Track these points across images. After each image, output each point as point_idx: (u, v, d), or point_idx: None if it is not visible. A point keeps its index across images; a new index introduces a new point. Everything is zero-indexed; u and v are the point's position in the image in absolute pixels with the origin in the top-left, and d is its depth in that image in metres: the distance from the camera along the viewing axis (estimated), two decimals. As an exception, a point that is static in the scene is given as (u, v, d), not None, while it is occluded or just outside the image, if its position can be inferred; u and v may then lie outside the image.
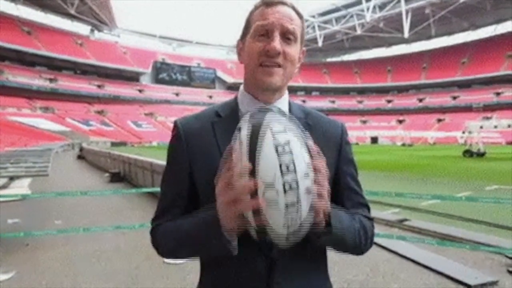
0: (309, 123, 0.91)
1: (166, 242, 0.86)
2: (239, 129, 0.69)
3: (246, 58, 0.86)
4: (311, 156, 0.68)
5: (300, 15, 0.87)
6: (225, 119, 0.89)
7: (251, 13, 0.87)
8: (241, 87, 0.93)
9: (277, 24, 0.81)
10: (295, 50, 0.84)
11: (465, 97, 65.86)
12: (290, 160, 0.63)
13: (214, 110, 0.92)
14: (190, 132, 0.89)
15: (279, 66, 0.82)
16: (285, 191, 0.63)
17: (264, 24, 0.82)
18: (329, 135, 0.92)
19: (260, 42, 0.82)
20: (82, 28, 71.18)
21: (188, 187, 0.87)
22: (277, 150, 0.63)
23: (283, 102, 0.90)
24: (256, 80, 0.85)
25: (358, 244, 0.85)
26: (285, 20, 0.82)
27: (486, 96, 62.81)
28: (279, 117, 0.69)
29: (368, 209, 0.95)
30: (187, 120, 0.92)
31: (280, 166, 0.62)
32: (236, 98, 0.93)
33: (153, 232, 0.90)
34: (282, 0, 0.84)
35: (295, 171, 0.63)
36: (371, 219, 0.93)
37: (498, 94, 61.83)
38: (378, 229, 4.99)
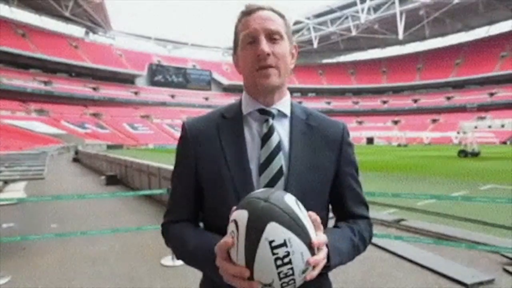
0: (311, 124, 0.95)
1: (173, 249, 0.94)
2: (235, 222, 0.69)
3: (243, 66, 0.91)
4: (312, 253, 0.69)
5: (281, 15, 0.91)
6: (229, 121, 0.94)
7: (236, 26, 0.93)
8: (244, 90, 0.97)
9: (260, 29, 0.86)
10: (284, 48, 0.88)
11: (460, 98, 66.38)
12: (289, 269, 0.65)
13: (220, 112, 0.97)
14: (196, 133, 0.93)
15: (272, 66, 0.87)
16: (282, 287, 0.67)
17: (248, 32, 0.87)
18: (330, 135, 0.95)
19: (250, 50, 0.87)
20: (76, 31, 70.83)
21: (195, 185, 0.93)
22: (276, 263, 0.64)
23: (284, 103, 0.95)
24: (256, 84, 0.89)
25: (357, 254, 0.92)
26: (267, 23, 0.87)
27: (480, 96, 63.36)
28: (278, 226, 0.65)
29: (367, 207, 1.00)
30: (194, 121, 0.96)
31: (279, 274, 0.65)
32: (240, 100, 0.97)
33: (163, 228, 0.99)
34: (260, 6, 0.89)
35: (293, 274, 0.66)
36: (369, 218, 0.98)
37: (492, 94, 62.41)
38: (375, 229, 5.02)
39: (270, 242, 0.64)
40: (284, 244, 0.64)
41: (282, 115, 0.94)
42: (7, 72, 52.65)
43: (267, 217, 0.65)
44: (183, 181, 0.95)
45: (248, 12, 0.90)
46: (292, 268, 0.65)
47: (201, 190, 0.93)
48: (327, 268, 0.77)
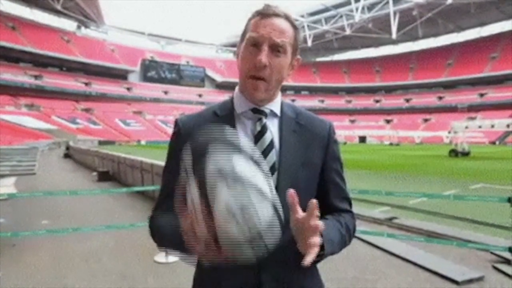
0: (300, 123, 0.99)
1: (155, 239, 0.95)
2: (191, 200, 0.68)
3: (240, 65, 0.93)
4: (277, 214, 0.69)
5: (294, 26, 0.92)
6: (222, 119, 0.95)
7: (249, 21, 0.93)
8: (237, 88, 0.99)
9: (267, 38, 0.87)
10: (283, 62, 0.90)
11: (451, 98, 67.16)
12: (252, 222, 0.64)
13: (213, 110, 0.99)
14: (189, 129, 0.93)
15: (264, 80, 0.89)
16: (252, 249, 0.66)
17: (255, 36, 0.88)
18: (318, 133, 0.99)
19: (250, 53, 0.89)
20: (68, 25, 69.71)
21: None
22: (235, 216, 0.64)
23: (275, 103, 0.98)
24: (245, 90, 0.94)
25: (344, 246, 0.94)
26: (275, 34, 0.87)
27: (471, 96, 64.19)
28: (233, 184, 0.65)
29: (350, 203, 1.03)
30: (187, 118, 0.99)
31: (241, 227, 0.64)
32: (232, 98, 0.99)
33: (150, 222, 0.98)
34: (276, 12, 0.89)
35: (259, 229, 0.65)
36: (352, 212, 1.02)
37: (482, 95, 63.27)
38: (368, 227, 5.07)
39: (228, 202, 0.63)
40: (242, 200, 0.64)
41: (273, 114, 0.97)
42: (-3, 65, 51.66)
43: (218, 177, 0.65)
44: (175, 176, 0.93)
45: (263, 15, 0.90)
46: (257, 219, 0.64)
47: None
48: (321, 256, 0.80)
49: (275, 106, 0.98)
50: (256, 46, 0.88)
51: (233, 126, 0.94)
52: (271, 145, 0.93)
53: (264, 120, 0.95)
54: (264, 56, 0.87)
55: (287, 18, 0.90)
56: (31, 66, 57.53)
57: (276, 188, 0.87)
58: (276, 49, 0.88)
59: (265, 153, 0.91)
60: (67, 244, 4.54)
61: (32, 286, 3.33)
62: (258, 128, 0.94)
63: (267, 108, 0.96)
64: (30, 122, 43.60)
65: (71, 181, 11.42)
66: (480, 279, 3.32)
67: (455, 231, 4.69)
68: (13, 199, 7.15)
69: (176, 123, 0.98)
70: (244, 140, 0.73)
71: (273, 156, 0.92)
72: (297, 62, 0.97)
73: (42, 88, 55.91)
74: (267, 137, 0.93)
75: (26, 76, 55.28)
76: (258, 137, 0.93)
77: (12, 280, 3.46)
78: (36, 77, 56.56)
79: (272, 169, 0.90)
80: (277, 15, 0.89)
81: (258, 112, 0.95)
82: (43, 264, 3.90)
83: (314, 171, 0.97)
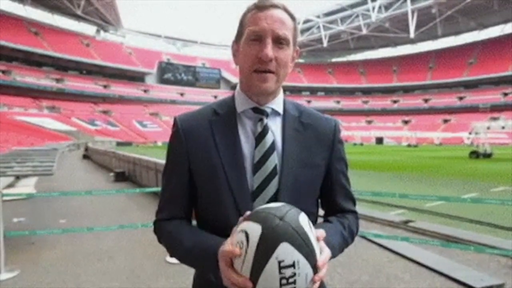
0: (304, 121, 0.95)
1: (168, 248, 0.91)
2: (246, 234, 0.68)
3: (241, 62, 0.89)
4: (315, 272, 0.69)
5: (292, 17, 0.88)
6: (222, 117, 0.92)
7: (244, 15, 0.89)
8: (238, 86, 0.96)
9: (269, 30, 0.83)
10: (287, 54, 0.87)
11: (472, 98, 65.27)
12: None
13: (212, 108, 0.95)
14: (188, 129, 0.91)
15: (272, 72, 0.85)
16: None
17: (256, 30, 0.84)
18: (322, 132, 0.96)
19: (253, 48, 0.84)
20: (88, 29, 71.93)
21: (187, 181, 0.91)
22: (280, 281, 0.65)
23: (277, 102, 0.93)
24: (251, 85, 0.88)
25: (346, 247, 0.93)
26: (276, 26, 0.84)
27: (493, 96, 62.19)
28: (290, 246, 0.66)
29: (354, 202, 1.02)
30: (186, 117, 0.94)
31: None
32: (233, 96, 0.96)
33: (156, 226, 0.96)
34: (274, 3, 0.86)
35: None
36: (356, 213, 1.01)
37: (505, 94, 61.18)
38: (382, 230, 4.96)
39: (280, 262, 0.64)
40: (292, 265, 0.65)
41: (275, 113, 0.93)
42: (20, 69, 53.68)
43: (281, 236, 0.66)
44: (175, 178, 0.93)
45: (260, 7, 0.86)
46: None
47: (194, 186, 0.92)
48: None
49: (277, 104, 0.93)
50: (258, 40, 0.84)
51: (234, 125, 0.91)
52: (272, 147, 0.89)
53: (265, 121, 0.90)
54: (269, 50, 0.83)
55: (285, 8, 0.87)
56: (53, 70, 59.54)
57: (278, 190, 0.87)
58: (279, 41, 0.84)
59: (266, 155, 0.88)
60: (82, 243, 4.64)
61: (47, 283, 3.41)
62: (259, 129, 0.90)
63: (268, 107, 0.91)
64: (51, 123, 45.00)
65: (89, 181, 11.70)
66: (500, 286, 3.18)
67: (474, 235, 4.53)
68: (34, 199, 7.39)
69: (175, 122, 0.94)
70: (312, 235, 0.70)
71: (274, 158, 0.88)
72: (296, 54, 0.94)
73: (62, 90, 57.71)
74: (269, 139, 0.89)
75: (48, 79, 57.16)
76: (259, 139, 0.89)
77: (29, 277, 3.56)
78: (57, 80, 58.41)
79: (274, 171, 0.87)
80: (275, 6, 0.86)
81: (259, 112, 0.91)
82: (58, 262, 3.99)
83: (317, 172, 0.93)
